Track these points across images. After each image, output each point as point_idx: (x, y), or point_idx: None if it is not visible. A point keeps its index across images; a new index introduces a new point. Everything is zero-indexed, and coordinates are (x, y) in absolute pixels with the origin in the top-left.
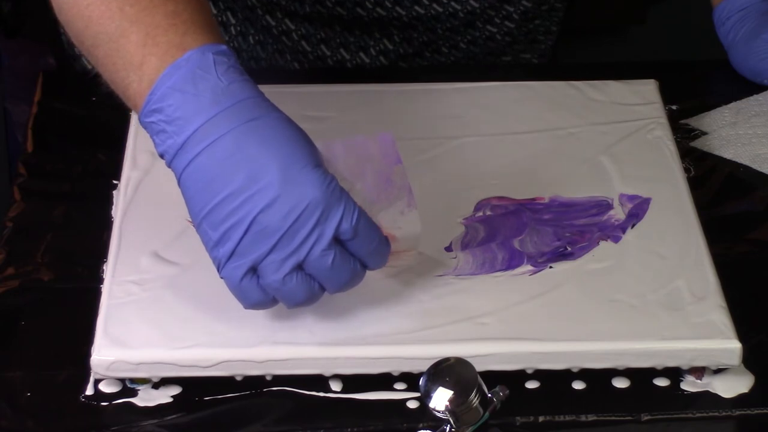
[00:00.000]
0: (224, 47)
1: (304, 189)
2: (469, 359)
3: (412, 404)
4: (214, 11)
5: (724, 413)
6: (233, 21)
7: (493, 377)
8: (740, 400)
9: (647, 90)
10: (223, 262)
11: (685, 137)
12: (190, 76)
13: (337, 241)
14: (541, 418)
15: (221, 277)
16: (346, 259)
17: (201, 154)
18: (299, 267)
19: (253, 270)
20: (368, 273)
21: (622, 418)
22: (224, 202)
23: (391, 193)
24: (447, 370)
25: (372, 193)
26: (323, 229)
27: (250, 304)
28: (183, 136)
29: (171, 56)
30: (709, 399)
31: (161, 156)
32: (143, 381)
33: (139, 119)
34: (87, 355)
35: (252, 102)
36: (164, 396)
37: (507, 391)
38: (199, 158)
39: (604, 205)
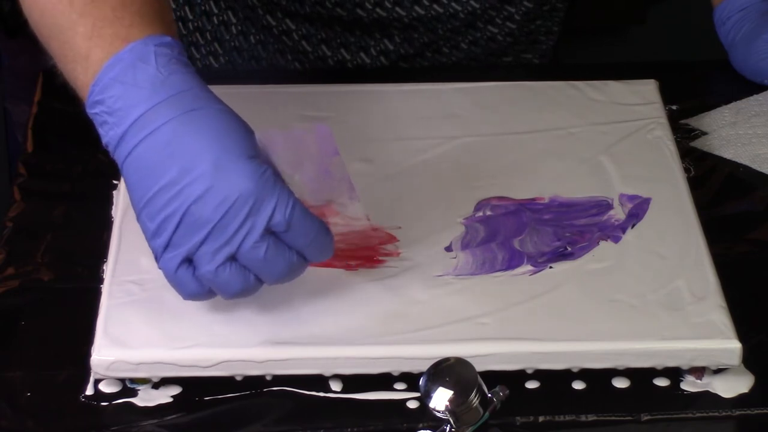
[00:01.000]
0: (168, 39)
1: (236, 180)
2: (469, 359)
3: (412, 404)
4: (216, 10)
5: (724, 413)
6: (234, 20)
7: (493, 377)
8: (740, 400)
9: (647, 90)
10: (159, 252)
11: (685, 137)
12: (131, 67)
13: (271, 232)
14: (541, 418)
15: (159, 268)
16: (280, 250)
17: (139, 145)
18: (233, 258)
19: (189, 261)
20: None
21: (622, 418)
22: (160, 193)
23: (331, 185)
24: (447, 370)
25: (312, 185)
26: (255, 221)
27: (187, 294)
28: (123, 127)
29: (115, 48)
30: (709, 399)
31: (105, 147)
32: (143, 381)
33: (86, 111)
34: (87, 355)
35: (191, 93)
36: (164, 396)
37: (507, 391)
38: (138, 149)
39: (604, 205)
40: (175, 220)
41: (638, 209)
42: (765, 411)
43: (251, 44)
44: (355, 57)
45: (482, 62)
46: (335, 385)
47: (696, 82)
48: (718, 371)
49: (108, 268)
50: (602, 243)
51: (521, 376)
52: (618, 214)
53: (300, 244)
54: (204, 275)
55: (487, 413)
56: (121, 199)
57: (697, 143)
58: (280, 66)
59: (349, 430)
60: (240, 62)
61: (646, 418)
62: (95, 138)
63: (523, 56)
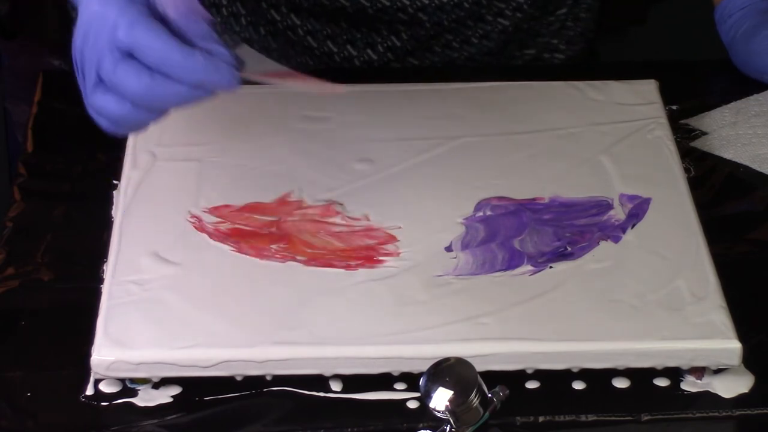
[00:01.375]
0: None
1: (90, 7)
2: (469, 359)
3: (412, 404)
4: (224, 2)
5: (724, 413)
6: (243, 11)
7: (493, 377)
8: (740, 400)
9: (647, 90)
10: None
11: (685, 137)
12: None
13: (129, 54)
14: (541, 418)
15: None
16: (132, 69)
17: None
18: (101, 82)
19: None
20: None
21: (622, 418)
22: (73, 42)
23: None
24: (447, 370)
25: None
26: (103, 42)
27: (103, 125)
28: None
29: None
30: (709, 399)
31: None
32: (143, 381)
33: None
34: (87, 355)
35: None
36: (164, 396)
37: (507, 391)
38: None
39: (604, 205)
40: (73, 60)
41: (638, 209)
42: (765, 411)
43: (261, 35)
44: (362, 53)
45: (497, 56)
46: (335, 385)
47: (696, 82)
48: (718, 371)
49: (108, 268)
50: (602, 243)
51: (521, 376)
52: (618, 214)
53: (152, 62)
54: (88, 104)
55: (487, 413)
56: (121, 199)
57: (697, 143)
58: (290, 58)
59: (349, 430)
60: None
61: (646, 418)
62: (95, 138)
63: (551, 41)
